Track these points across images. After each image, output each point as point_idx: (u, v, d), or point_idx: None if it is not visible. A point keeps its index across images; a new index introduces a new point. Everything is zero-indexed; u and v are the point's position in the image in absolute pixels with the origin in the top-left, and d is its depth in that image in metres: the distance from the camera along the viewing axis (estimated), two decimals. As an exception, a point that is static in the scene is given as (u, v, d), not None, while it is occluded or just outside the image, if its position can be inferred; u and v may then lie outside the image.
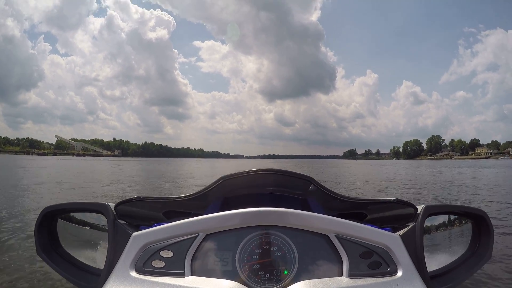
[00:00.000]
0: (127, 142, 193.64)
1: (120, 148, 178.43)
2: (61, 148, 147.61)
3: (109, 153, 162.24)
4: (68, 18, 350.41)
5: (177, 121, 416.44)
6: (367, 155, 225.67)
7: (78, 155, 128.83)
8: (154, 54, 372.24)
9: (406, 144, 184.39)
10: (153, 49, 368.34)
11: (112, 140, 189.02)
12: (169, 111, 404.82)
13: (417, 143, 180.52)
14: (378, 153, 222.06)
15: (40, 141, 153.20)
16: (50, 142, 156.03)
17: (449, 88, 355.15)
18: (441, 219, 0.65)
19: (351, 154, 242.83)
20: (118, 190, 9.99)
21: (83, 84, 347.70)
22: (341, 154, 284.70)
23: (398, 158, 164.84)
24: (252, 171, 0.70)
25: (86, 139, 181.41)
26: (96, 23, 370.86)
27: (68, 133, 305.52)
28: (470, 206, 0.65)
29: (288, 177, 0.72)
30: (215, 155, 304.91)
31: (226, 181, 0.69)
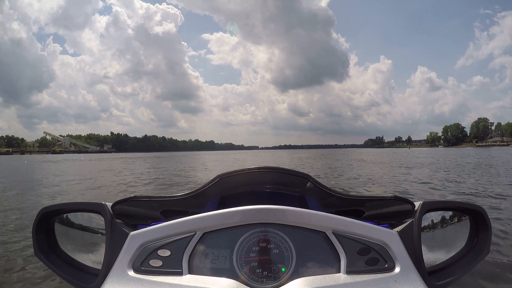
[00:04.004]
0: (126, 135, 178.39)
1: (117, 142, 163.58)
2: (46, 145, 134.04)
3: (98, 148, 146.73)
4: (74, 18, 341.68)
5: (190, 115, 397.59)
6: (396, 142, 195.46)
7: (53, 152, 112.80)
8: (163, 48, 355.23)
9: (445, 129, 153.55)
10: (161, 43, 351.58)
11: (109, 134, 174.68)
12: (182, 105, 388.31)
13: (458, 127, 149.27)
14: (409, 140, 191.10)
15: (19, 138, 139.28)
16: (37, 139, 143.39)
17: (466, 73, 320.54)
18: (439, 215, 0.64)
19: (376, 143, 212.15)
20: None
21: (94, 82, 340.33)
22: (360, 142, 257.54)
23: (443, 146, 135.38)
24: (249, 169, 0.68)
25: (82, 135, 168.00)
26: (102, 21, 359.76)
27: (83, 130, 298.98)
28: (468, 202, 0.64)
29: (285, 174, 0.70)
30: (228, 147, 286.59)
31: (223, 179, 0.67)
